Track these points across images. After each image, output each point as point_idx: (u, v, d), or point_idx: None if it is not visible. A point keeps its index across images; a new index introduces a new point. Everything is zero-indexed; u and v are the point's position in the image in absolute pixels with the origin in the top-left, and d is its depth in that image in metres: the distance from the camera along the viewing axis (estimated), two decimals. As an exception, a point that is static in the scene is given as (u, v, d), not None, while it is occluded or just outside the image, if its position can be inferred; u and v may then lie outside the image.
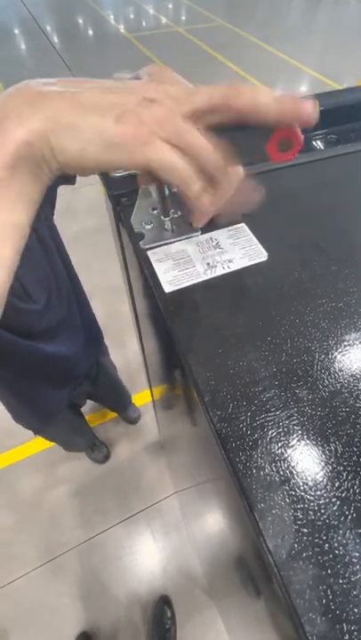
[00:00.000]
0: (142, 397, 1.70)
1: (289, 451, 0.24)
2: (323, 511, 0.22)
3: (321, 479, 0.23)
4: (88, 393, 1.15)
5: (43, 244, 0.66)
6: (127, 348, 1.69)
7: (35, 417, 0.99)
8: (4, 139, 0.18)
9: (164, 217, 0.37)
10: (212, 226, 0.38)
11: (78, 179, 0.50)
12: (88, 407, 1.35)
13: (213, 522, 0.52)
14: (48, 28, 5.19)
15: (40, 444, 1.60)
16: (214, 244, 0.37)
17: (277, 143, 0.25)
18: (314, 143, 0.50)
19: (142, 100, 0.21)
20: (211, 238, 0.37)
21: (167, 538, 1.39)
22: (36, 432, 1.09)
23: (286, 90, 3.77)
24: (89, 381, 1.09)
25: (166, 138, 0.21)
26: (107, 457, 1.56)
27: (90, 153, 0.20)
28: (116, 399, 1.46)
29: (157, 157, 0.20)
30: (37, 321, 0.68)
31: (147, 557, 1.36)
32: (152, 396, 1.05)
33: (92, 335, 0.96)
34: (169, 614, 1.22)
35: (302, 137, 0.25)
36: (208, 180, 0.23)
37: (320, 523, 0.21)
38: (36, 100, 0.19)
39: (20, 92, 0.19)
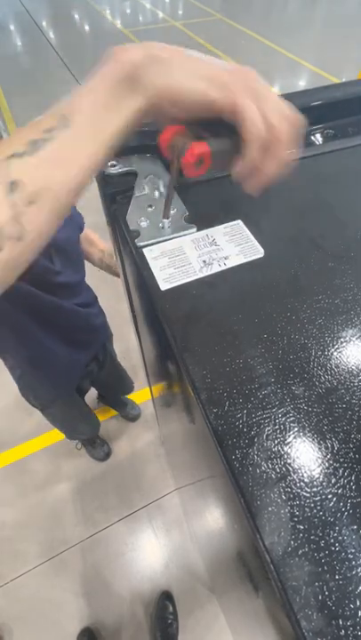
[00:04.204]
0: (142, 395, 1.71)
1: (285, 448, 0.24)
2: (319, 508, 0.22)
3: (317, 476, 0.23)
4: (93, 378, 1.21)
5: None
6: (128, 346, 1.69)
7: (45, 387, 1.02)
8: (116, 59, 0.24)
9: (165, 218, 0.36)
10: (208, 223, 0.38)
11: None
12: (90, 406, 1.36)
13: (213, 519, 0.53)
14: (44, 23, 5.14)
15: (41, 441, 1.61)
16: (210, 240, 0.37)
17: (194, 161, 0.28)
18: (312, 138, 0.50)
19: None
20: (207, 235, 0.37)
21: (169, 534, 1.39)
22: (44, 408, 1.12)
23: (284, 84, 3.74)
24: (97, 364, 1.16)
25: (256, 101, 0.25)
26: (108, 454, 1.57)
27: (188, 83, 0.24)
28: (119, 384, 1.48)
29: (249, 107, 0.25)
30: (55, 278, 0.79)
31: (149, 554, 1.37)
32: (152, 393, 1.05)
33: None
34: (171, 609, 1.23)
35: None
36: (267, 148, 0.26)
37: (316, 519, 0.21)
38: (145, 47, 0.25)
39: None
